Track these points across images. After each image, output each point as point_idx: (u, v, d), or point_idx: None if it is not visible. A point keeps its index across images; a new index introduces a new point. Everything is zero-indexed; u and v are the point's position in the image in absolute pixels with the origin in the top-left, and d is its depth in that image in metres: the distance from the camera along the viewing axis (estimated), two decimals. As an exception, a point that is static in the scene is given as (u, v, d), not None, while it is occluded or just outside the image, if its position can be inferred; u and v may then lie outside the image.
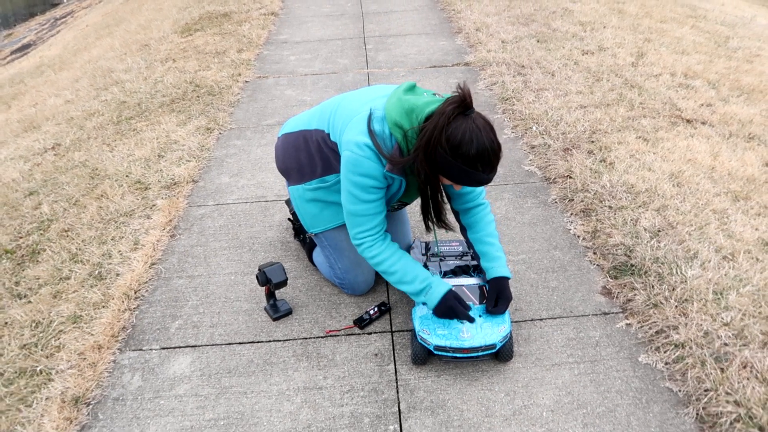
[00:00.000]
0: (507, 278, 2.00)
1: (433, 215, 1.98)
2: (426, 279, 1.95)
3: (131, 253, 2.57)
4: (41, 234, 2.83)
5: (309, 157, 2.14)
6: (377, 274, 2.29)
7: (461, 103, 1.67)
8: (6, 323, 2.27)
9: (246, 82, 4.56)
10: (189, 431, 1.79)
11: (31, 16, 20.32)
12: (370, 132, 1.84)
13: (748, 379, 1.80)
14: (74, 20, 15.60)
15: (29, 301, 2.37)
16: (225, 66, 4.85)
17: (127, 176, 3.21)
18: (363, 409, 1.84)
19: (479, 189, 2.09)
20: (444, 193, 1.99)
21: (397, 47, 5.20)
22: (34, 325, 2.23)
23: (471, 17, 5.76)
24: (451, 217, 2.05)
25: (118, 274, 2.44)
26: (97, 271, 2.48)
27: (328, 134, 2.05)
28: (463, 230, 2.15)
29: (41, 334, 2.18)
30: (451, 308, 1.90)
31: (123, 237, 2.69)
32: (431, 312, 1.95)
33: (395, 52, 5.07)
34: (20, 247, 2.77)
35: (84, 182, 3.24)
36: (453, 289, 1.95)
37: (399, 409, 1.83)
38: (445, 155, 1.69)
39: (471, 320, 1.91)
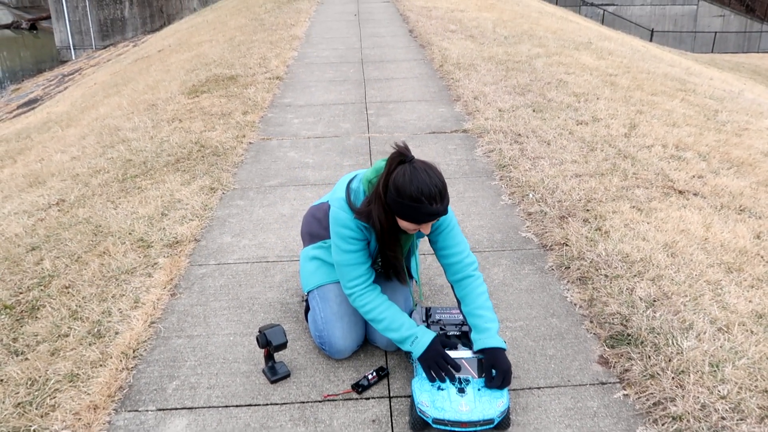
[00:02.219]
0: (498, 348, 2.02)
1: (396, 266, 2.25)
2: (412, 327, 2.07)
3: (131, 311, 2.59)
4: (42, 290, 2.85)
5: (319, 224, 2.39)
6: (359, 339, 2.32)
7: (399, 154, 1.95)
8: (1, 380, 2.25)
9: (250, 143, 4.68)
10: (182, 498, 1.76)
11: (39, 72, 20.90)
12: (347, 189, 2.15)
13: (746, 454, 1.79)
14: (82, 77, 16.05)
15: (26, 359, 2.37)
16: (230, 127, 4.99)
17: (130, 234, 3.26)
18: (360, 477, 1.82)
19: (467, 260, 2.20)
20: (405, 253, 2.28)
21: (397, 113, 5.38)
22: (30, 383, 2.22)
23: (469, 86, 5.97)
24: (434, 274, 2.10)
25: (117, 333, 2.45)
26: (96, 329, 2.49)
27: (329, 204, 2.20)
28: (459, 303, 2.21)
29: (37, 393, 2.16)
30: (437, 356, 1.99)
31: (124, 295, 2.71)
32: (416, 359, 2.02)
33: (396, 118, 5.23)
34: (20, 302, 2.78)
35: (87, 239, 3.28)
36: (438, 337, 2.04)
37: (396, 479, 1.81)
38: (394, 198, 1.94)
39: (457, 369, 1.99)
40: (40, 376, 2.24)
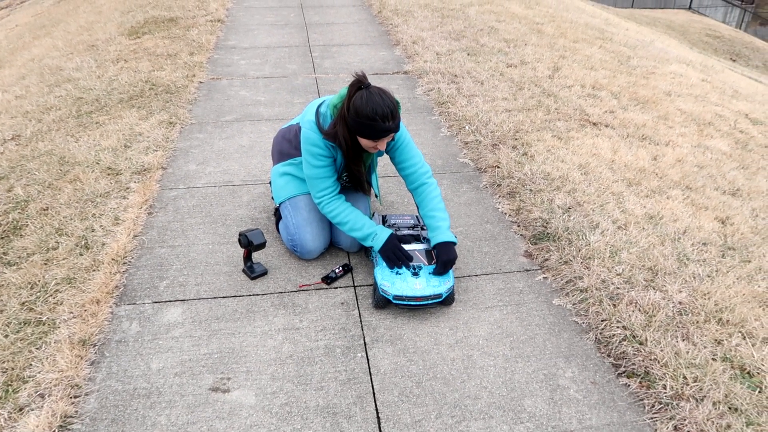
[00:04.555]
0: (448, 242, 2.44)
1: (359, 179, 2.62)
2: (372, 226, 2.47)
3: (113, 227, 2.84)
4: (20, 212, 3.03)
5: (289, 144, 2.69)
6: (326, 241, 2.69)
7: (358, 81, 2.27)
8: (2, 285, 2.49)
9: (201, 82, 4.85)
10: (188, 363, 2.12)
11: (-58, 15, 19.24)
12: (317, 113, 2.45)
13: (633, 311, 2.33)
14: (-5, 20, 15.03)
15: (20, 268, 2.60)
16: (178, 67, 5.11)
17: (97, 163, 3.45)
18: (335, 342, 2.23)
19: (421, 170, 2.56)
20: (366, 169, 2.63)
21: (341, 56, 5.64)
22: (30, 286, 2.47)
23: (408, 31, 6.28)
24: (397, 193, 2.49)
25: (103, 244, 2.71)
26: (83, 242, 2.73)
27: (300, 126, 2.50)
28: (418, 208, 2.60)
29: (39, 293, 2.42)
30: (394, 248, 2.40)
31: (103, 214, 2.95)
32: (377, 252, 2.43)
33: (340, 60, 5.50)
34: (0, 224, 2.96)
35: (54, 168, 3.45)
36: (394, 234, 2.45)
37: (364, 342, 2.23)
38: (353, 119, 2.26)
39: (410, 258, 2.40)
40: (38, 281, 2.50)
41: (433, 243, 2.46)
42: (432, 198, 2.54)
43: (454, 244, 2.44)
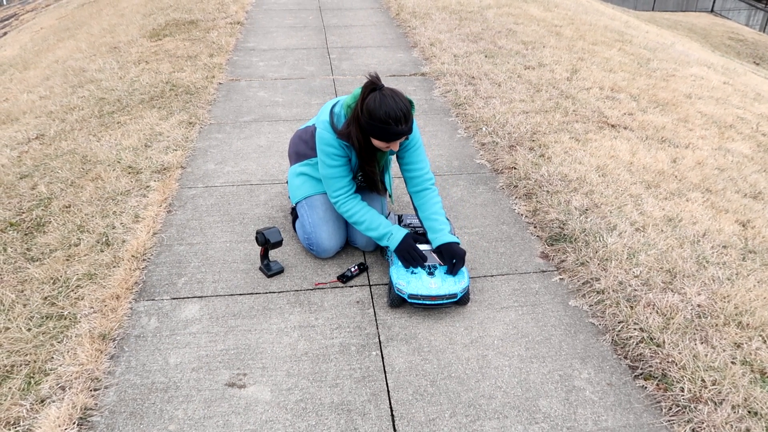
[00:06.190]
0: (451, 243, 2.43)
1: (373, 179, 2.62)
2: (388, 226, 2.48)
3: (133, 224, 2.89)
4: (43, 210, 3.09)
5: (306, 145, 2.72)
6: (342, 240, 2.70)
7: (371, 83, 2.27)
8: (25, 280, 2.54)
9: (220, 83, 4.90)
10: (205, 359, 2.14)
11: (-31, 19, 19.65)
12: (331, 113, 2.45)
13: (650, 313, 2.31)
14: (20, 23, 15.34)
15: (43, 263, 2.65)
16: (198, 69, 5.17)
17: (118, 162, 3.51)
18: (350, 340, 2.24)
19: (426, 175, 2.56)
20: (380, 168, 2.63)
21: (358, 57, 5.67)
22: (52, 281, 2.52)
23: (425, 34, 6.29)
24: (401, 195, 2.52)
25: (124, 241, 2.76)
26: (104, 239, 2.78)
27: (316, 127, 2.53)
28: (416, 211, 2.60)
29: (60, 288, 2.47)
30: (409, 247, 2.40)
31: (123, 212, 3.00)
32: (393, 252, 2.43)
33: (357, 62, 5.53)
34: (24, 221, 3.03)
35: (77, 167, 3.51)
36: (410, 233, 2.45)
37: (379, 340, 2.24)
38: (367, 120, 2.26)
39: (425, 258, 2.40)
40: (60, 276, 2.54)
41: (435, 245, 2.45)
42: (435, 203, 2.54)
43: (457, 244, 2.43)
